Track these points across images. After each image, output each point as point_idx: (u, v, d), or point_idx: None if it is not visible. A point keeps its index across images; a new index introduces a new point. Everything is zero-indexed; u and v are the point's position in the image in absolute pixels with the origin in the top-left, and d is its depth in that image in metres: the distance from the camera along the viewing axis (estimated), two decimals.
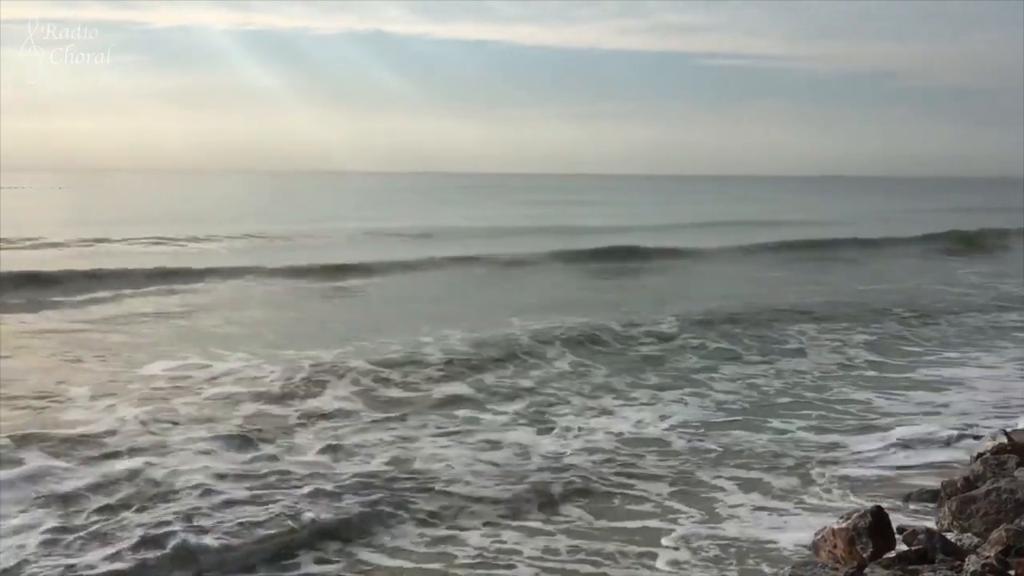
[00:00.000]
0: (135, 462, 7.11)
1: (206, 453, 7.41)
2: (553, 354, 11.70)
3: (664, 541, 6.04)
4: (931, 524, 5.68)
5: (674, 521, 6.43)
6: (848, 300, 16.81)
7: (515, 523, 6.40)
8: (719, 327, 13.54)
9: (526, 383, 10.34)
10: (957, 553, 4.89)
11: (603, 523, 6.43)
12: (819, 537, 5.25)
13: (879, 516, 5.09)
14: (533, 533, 6.23)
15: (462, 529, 6.29)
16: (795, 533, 6.06)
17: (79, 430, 7.83)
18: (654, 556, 5.85)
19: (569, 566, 5.72)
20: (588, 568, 5.68)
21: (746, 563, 5.71)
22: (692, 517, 6.51)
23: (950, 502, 5.73)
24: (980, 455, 6.54)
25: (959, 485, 6.11)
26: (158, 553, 5.56)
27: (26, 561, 5.46)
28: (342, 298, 17.36)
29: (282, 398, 9.29)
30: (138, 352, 11.27)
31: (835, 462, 7.69)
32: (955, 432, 8.32)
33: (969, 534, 5.33)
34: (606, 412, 9.24)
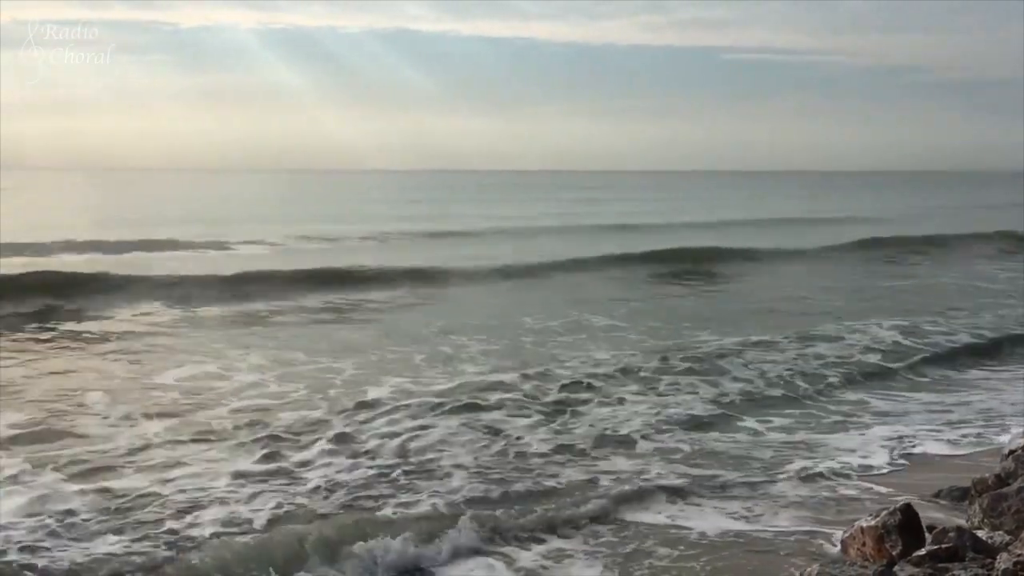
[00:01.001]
0: None
1: None
2: None
3: None
4: (961, 521, 5.63)
5: None
6: None
7: None
8: None
9: None
10: (988, 551, 4.84)
11: None
12: (848, 535, 5.23)
13: (909, 514, 5.06)
14: None
15: None
16: None
17: None
18: None
19: None
20: None
21: None
22: None
23: (981, 499, 5.67)
24: (1012, 452, 6.47)
25: (990, 482, 6.06)
26: None
27: None
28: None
29: None
30: None
31: None
32: None
33: (1000, 532, 5.27)
34: None
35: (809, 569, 4.69)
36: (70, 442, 7.79)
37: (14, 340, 12.18)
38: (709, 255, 23.10)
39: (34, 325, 13.22)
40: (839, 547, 5.40)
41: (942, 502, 6.58)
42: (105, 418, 8.53)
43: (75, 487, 6.70)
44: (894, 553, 4.94)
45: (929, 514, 5.88)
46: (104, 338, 12.55)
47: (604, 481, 7.17)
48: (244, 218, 36.77)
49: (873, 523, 5.09)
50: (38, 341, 12.26)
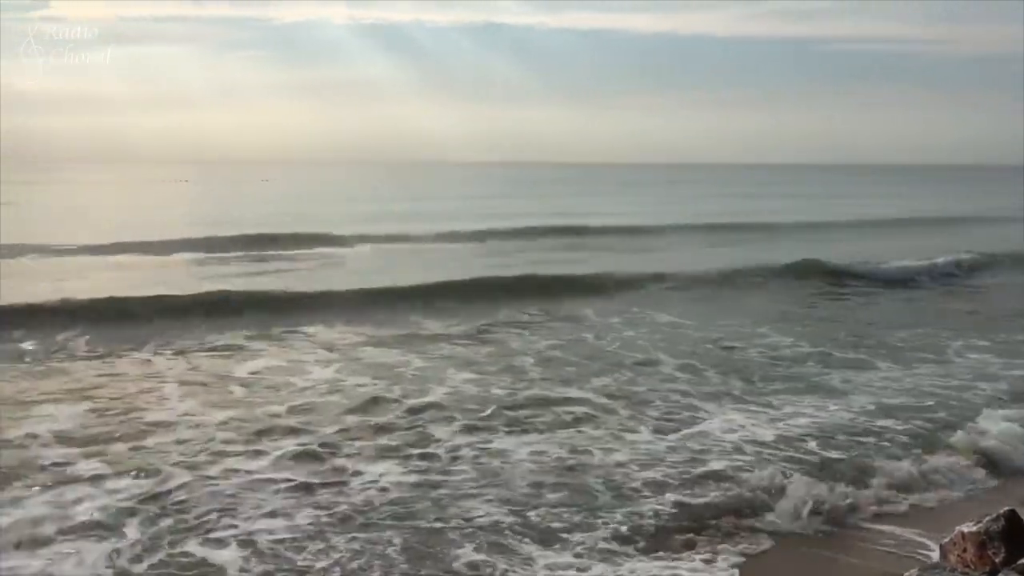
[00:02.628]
0: None
1: None
2: None
3: None
4: None
5: None
6: None
7: None
8: None
9: None
10: None
11: None
12: (948, 540, 5.09)
13: (1013, 520, 4.90)
14: None
15: None
16: None
17: None
18: None
19: None
20: None
21: None
22: None
23: None
24: None
25: None
26: None
27: None
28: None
29: None
30: None
31: None
32: None
33: None
34: None
35: (907, 574, 4.61)
36: None
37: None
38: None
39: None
40: (938, 552, 5.25)
41: None
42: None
43: None
44: (996, 560, 4.80)
45: None
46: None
47: None
48: (409, 213, 36.00)
49: (975, 529, 4.94)
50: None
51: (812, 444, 8.00)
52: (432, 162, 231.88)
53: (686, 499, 6.65)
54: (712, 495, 6.71)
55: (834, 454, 7.75)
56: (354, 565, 5.54)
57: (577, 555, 5.77)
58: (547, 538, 5.99)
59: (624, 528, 6.15)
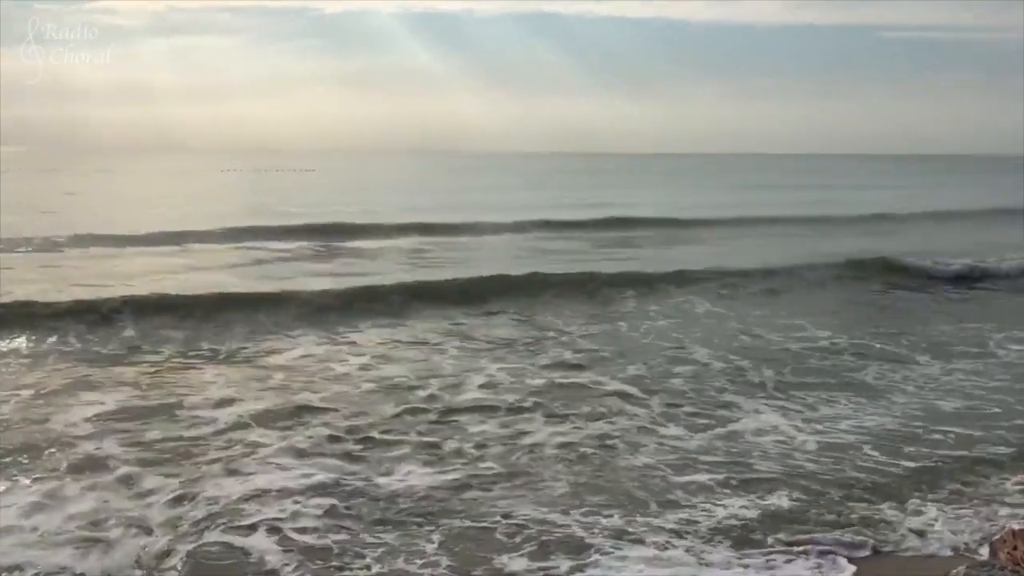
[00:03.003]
0: None
1: None
2: None
3: None
4: None
5: None
6: None
7: None
8: None
9: None
10: None
11: None
12: (998, 538, 5.03)
13: None
14: None
15: None
16: None
17: None
18: None
19: None
20: None
21: None
22: None
23: None
24: None
25: None
26: None
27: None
28: None
29: None
30: None
31: None
32: None
33: None
34: None
35: (955, 571, 4.57)
36: None
37: None
38: None
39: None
40: (988, 549, 5.18)
41: None
42: None
43: None
44: None
45: None
46: None
47: None
48: (465, 203, 35.07)
49: None
50: None
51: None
52: (479, 152, 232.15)
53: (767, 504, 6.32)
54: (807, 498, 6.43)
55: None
56: (397, 563, 5.39)
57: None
58: (593, 541, 5.70)
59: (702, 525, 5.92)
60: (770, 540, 5.76)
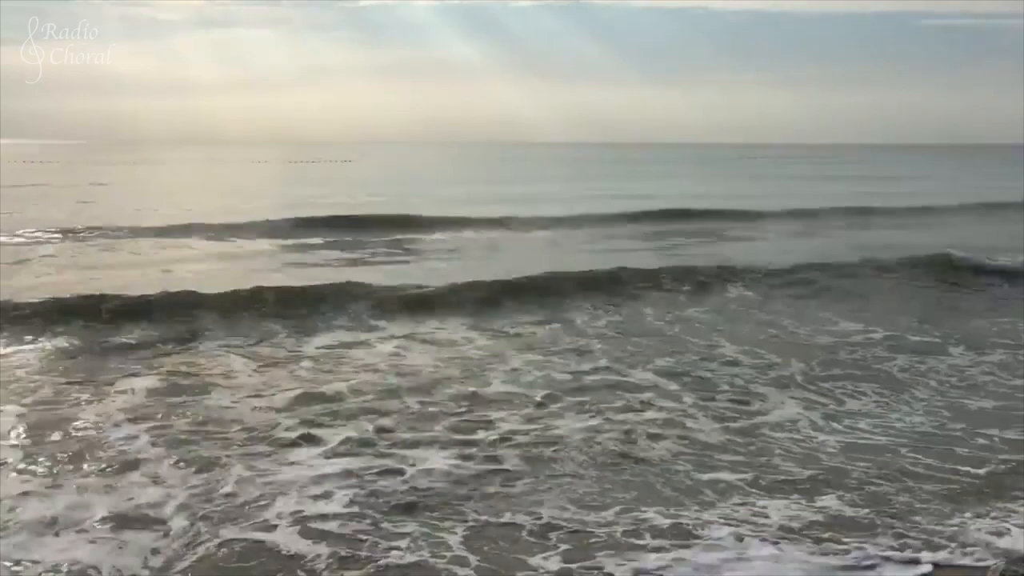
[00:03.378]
0: None
1: None
2: None
3: None
4: None
5: None
6: None
7: None
8: None
9: None
10: None
11: None
12: None
13: None
14: None
15: None
16: None
17: None
18: None
19: None
20: None
21: None
22: None
23: None
24: None
25: None
26: None
27: None
28: None
29: None
30: None
31: None
32: None
33: None
34: None
35: (994, 565, 4.53)
36: None
37: None
38: None
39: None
40: None
41: None
42: None
43: None
44: None
45: None
46: None
47: None
48: (515, 196, 34.77)
49: None
50: None
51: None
52: (516, 143, 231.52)
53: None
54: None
55: None
56: (421, 554, 5.27)
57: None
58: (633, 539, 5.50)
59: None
60: (828, 544, 5.48)
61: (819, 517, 5.88)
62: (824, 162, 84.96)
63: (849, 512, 5.97)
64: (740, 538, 5.51)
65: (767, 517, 5.87)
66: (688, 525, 5.72)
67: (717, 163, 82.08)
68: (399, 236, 21.62)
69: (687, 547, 5.42)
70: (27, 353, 10.07)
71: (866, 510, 6.00)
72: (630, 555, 5.31)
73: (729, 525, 5.72)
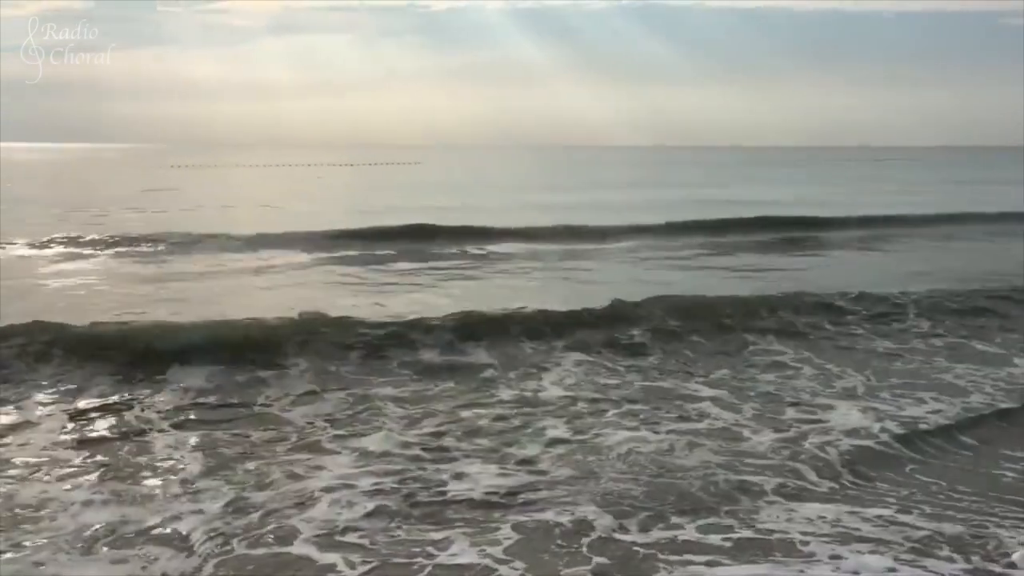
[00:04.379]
0: None
1: None
2: None
3: None
4: None
5: None
6: None
7: None
8: None
9: None
10: None
11: None
12: None
13: None
14: None
15: None
16: None
17: None
18: None
19: None
20: None
21: None
22: None
23: None
24: None
25: None
26: None
27: None
28: None
29: None
30: None
31: None
32: None
33: None
34: None
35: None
36: None
37: None
38: None
39: None
40: None
41: None
42: None
43: None
44: None
45: None
46: None
47: None
48: (659, 200, 32.15)
49: None
50: None
51: None
52: (588, 146, 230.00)
53: None
54: None
55: None
56: (465, 558, 4.85)
57: None
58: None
59: None
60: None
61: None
62: (931, 166, 79.92)
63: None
64: None
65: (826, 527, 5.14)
66: None
67: (817, 166, 78.12)
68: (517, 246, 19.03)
69: None
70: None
71: None
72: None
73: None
